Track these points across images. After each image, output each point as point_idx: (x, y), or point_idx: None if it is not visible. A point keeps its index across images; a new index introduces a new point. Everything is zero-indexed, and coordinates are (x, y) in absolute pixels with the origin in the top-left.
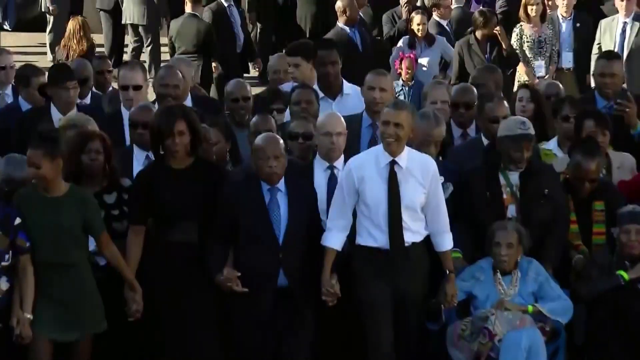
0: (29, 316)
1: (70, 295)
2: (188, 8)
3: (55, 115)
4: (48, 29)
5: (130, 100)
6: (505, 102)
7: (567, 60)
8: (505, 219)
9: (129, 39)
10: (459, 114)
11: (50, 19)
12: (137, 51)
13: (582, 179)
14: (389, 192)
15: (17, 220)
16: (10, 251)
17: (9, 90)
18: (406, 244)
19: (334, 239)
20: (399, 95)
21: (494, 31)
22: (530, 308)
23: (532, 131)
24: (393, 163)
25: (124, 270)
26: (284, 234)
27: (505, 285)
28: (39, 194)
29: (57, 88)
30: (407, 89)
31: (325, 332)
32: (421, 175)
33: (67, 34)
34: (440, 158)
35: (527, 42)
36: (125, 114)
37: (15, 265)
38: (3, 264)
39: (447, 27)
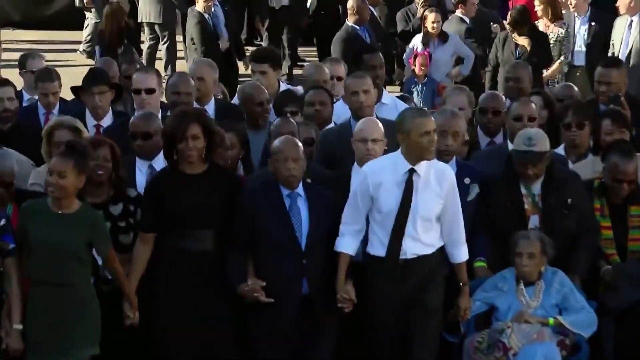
0: (18, 327)
1: (67, 317)
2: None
3: (90, 121)
4: (85, 25)
5: (144, 104)
6: (532, 103)
7: (580, 58)
8: (527, 229)
9: (145, 37)
10: (487, 119)
11: (88, 15)
12: (153, 49)
13: (619, 181)
14: (403, 200)
15: (2, 222)
16: None
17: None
18: (415, 256)
19: (347, 244)
20: (412, 92)
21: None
22: (551, 321)
23: (539, 148)
24: (412, 171)
25: (125, 286)
26: (306, 240)
27: (528, 296)
28: (48, 209)
29: (84, 93)
30: (420, 86)
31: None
32: (439, 184)
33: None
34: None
35: None
36: None
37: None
38: None
39: (469, 24)
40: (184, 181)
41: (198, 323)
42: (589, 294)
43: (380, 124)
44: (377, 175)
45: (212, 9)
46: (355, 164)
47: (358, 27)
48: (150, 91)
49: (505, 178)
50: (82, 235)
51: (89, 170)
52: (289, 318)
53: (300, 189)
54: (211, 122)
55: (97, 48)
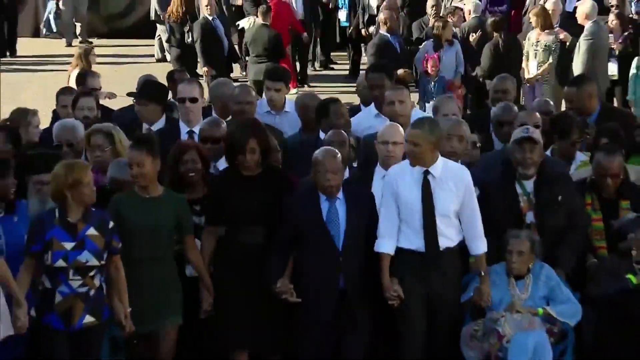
0: (130, 309)
1: (157, 288)
2: (259, 19)
3: (183, 128)
4: (157, 35)
5: (188, 111)
6: (537, 113)
7: None
8: (523, 225)
9: None
10: (503, 132)
11: (159, 27)
12: None
13: (604, 176)
14: (423, 199)
15: (111, 224)
16: (106, 251)
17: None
18: (441, 249)
19: (386, 245)
20: (428, 89)
21: None
22: (540, 311)
23: (535, 135)
24: (426, 173)
25: (204, 273)
26: (343, 239)
27: (518, 289)
28: (136, 195)
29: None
30: (432, 83)
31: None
32: (455, 184)
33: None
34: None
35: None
36: (183, 126)
37: (107, 264)
38: (102, 262)
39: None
40: (241, 183)
41: (252, 308)
42: (575, 285)
43: (400, 129)
44: (399, 176)
45: (214, 22)
46: (379, 164)
47: (389, 36)
48: (194, 100)
49: (502, 179)
50: (172, 214)
51: (181, 172)
52: (327, 310)
53: (340, 193)
54: (266, 135)
55: (167, 26)
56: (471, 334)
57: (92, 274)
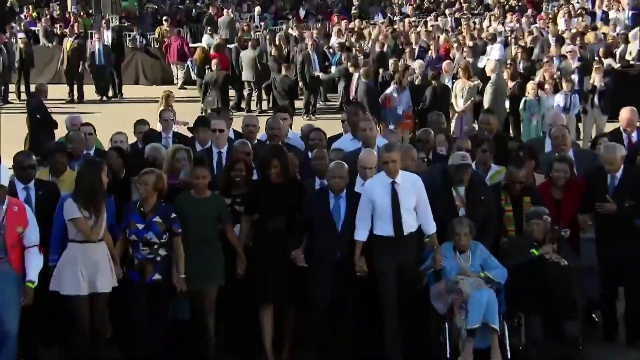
0: (184, 276)
1: (205, 260)
2: (283, 70)
3: (214, 150)
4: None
5: (218, 139)
6: (469, 140)
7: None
8: (458, 216)
9: (245, 88)
10: (421, 145)
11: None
12: (249, 94)
13: (513, 182)
14: (392, 201)
15: (173, 215)
16: (167, 234)
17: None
18: (406, 233)
19: (361, 235)
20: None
21: None
22: (482, 275)
23: (469, 161)
24: (393, 182)
25: (238, 247)
26: (342, 225)
27: (462, 260)
28: (192, 196)
29: (195, 130)
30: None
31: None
32: (412, 187)
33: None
34: None
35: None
36: (214, 148)
37: (170, 243)
38: (162, 240)
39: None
40: (269, 187)
41: (277, 271)
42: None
43: (375, 156)
44: (374, 188)
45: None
46: (359, 176)
47: (369, 82)
48: (222, 131)
49: (442, 185)
50: (215, 210)
51: (231, 176)
52: (329, 273)
53: (343, 192)
54: (285, 157)
55: (193, 65)
56: (438, 291)
57: (155, 247)
